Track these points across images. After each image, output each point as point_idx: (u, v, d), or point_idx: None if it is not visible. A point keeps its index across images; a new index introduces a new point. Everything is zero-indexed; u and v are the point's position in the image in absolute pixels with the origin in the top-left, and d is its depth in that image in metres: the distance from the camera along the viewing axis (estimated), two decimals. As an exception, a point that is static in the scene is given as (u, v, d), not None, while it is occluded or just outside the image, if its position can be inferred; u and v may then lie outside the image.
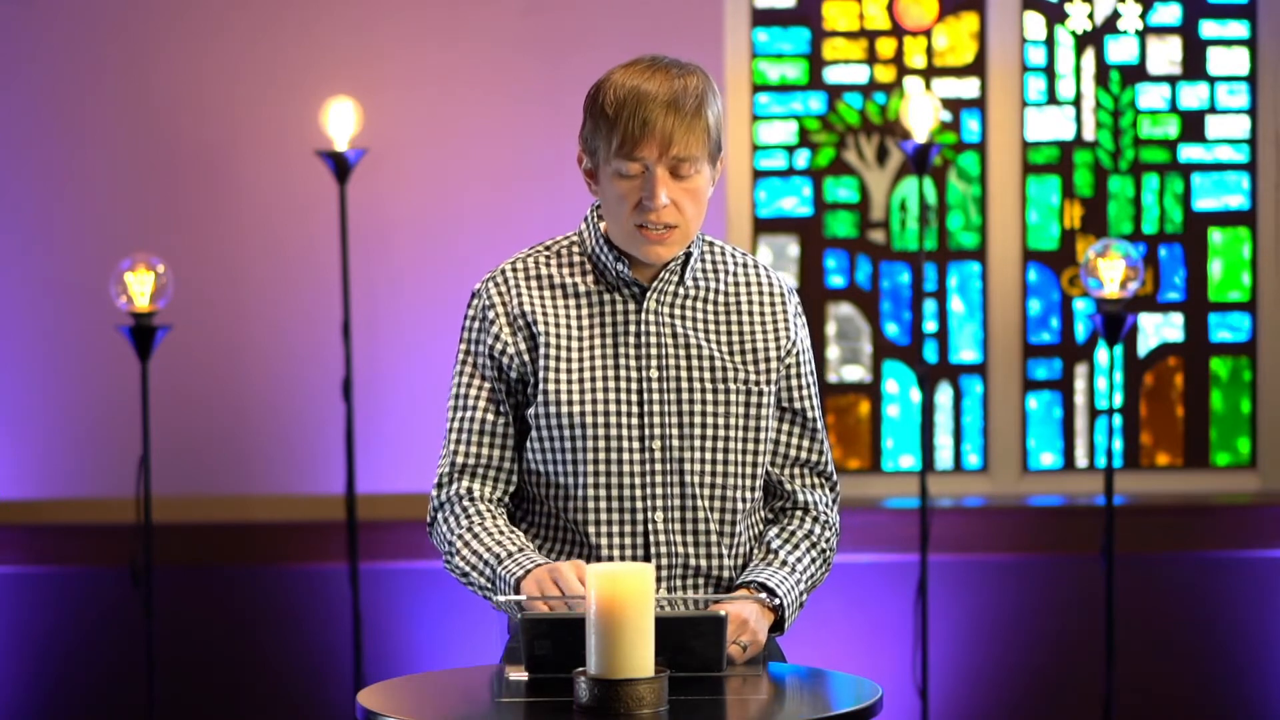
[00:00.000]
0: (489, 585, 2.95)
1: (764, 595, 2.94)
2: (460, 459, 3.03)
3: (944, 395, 5.70)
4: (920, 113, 5.11)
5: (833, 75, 5.70)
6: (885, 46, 5.70)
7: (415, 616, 5.41)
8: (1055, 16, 5.69)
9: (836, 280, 5.69)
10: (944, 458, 5.70)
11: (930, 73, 5.69)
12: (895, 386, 5.69)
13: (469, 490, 3.02)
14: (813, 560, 3.04)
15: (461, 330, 3.06)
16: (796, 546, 3.03)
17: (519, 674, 2.80)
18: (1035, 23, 5.69)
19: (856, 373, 5.71)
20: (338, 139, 5.24)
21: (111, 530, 5.38)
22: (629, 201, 2.93)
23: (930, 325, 5.67)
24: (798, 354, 3.07)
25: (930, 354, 5.65)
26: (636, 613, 2.58)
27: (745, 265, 3.10)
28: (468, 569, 2.97)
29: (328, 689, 5.44)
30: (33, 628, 5.48)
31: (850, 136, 5.69)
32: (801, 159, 5.69)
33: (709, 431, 2.99)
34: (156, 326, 4.96)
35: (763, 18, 5.69)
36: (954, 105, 5.68)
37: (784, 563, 3.00)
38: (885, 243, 5.69)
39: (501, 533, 2.97)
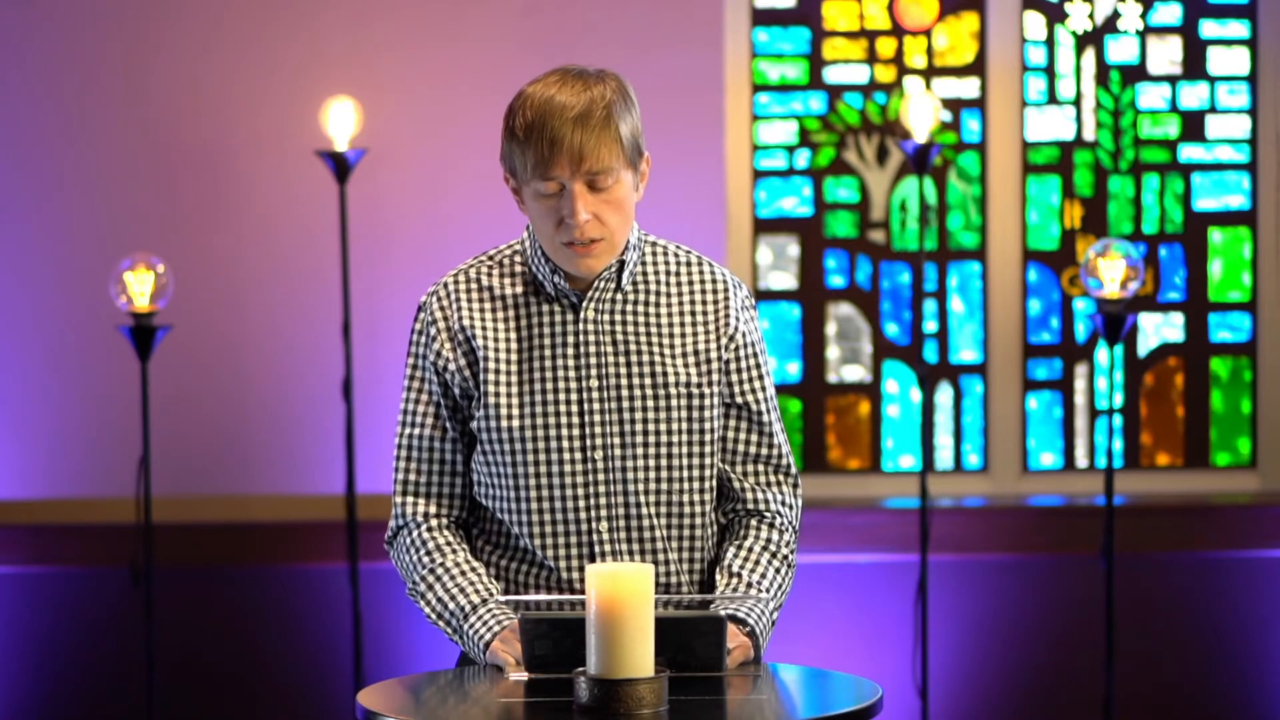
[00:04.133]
0: (456, 635, 2.97)
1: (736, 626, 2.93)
2: (411, 476, 3.04)
3: (944, 395, 5.70)
4: (920, 113, 5.11)
5: (833, 75, 5.70)
6: (885, 46, 5.70)
7: (415, 616, 5.41)
8: (1055, 16, 5.69)
9: (836, 280, 5.69)
10: (944, 458, 5.70)
11: (930, 73, 5.69)
12: (895, 386, 5.69)
13: (425, 515, 3.04)
14: (776, 571, 3.01)
15: (409, 344, 3.06)
16: (758, 563, 3.00)
17: (519, 674, 2.80)
18: (1035, 23, 5.69)
19: (856, 373, 5.71)
20: (338, 139, 5.24)
21: (111, 530, 5.38)
22: (551, 220, 2.92)
23: (930, 325, 5.66)
24: (738, 347, 3.03)
25: (930, 354, 5.65)
26: (636, 613, 2.57)
27: (688, 264, 3.06)
28: (435, 616, 2.99)
29: (328, 689, 5.44)
30: (33, 628, 5.48)
31: (850, 136, 5.69)
32: (801, 159, 5.69)
33: (651, 437, 2.97)
34: (156, 326, 4.96)
35: (763, 18, 5.69)
36: (954, 105, 5.68)
37: (749, 584, 2.97)
38: (885, 243, 5.69)
39: (464, 574, 2.99)
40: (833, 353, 5.70)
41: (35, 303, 5.53)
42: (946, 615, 5.40)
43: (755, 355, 3.05)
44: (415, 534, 3.03)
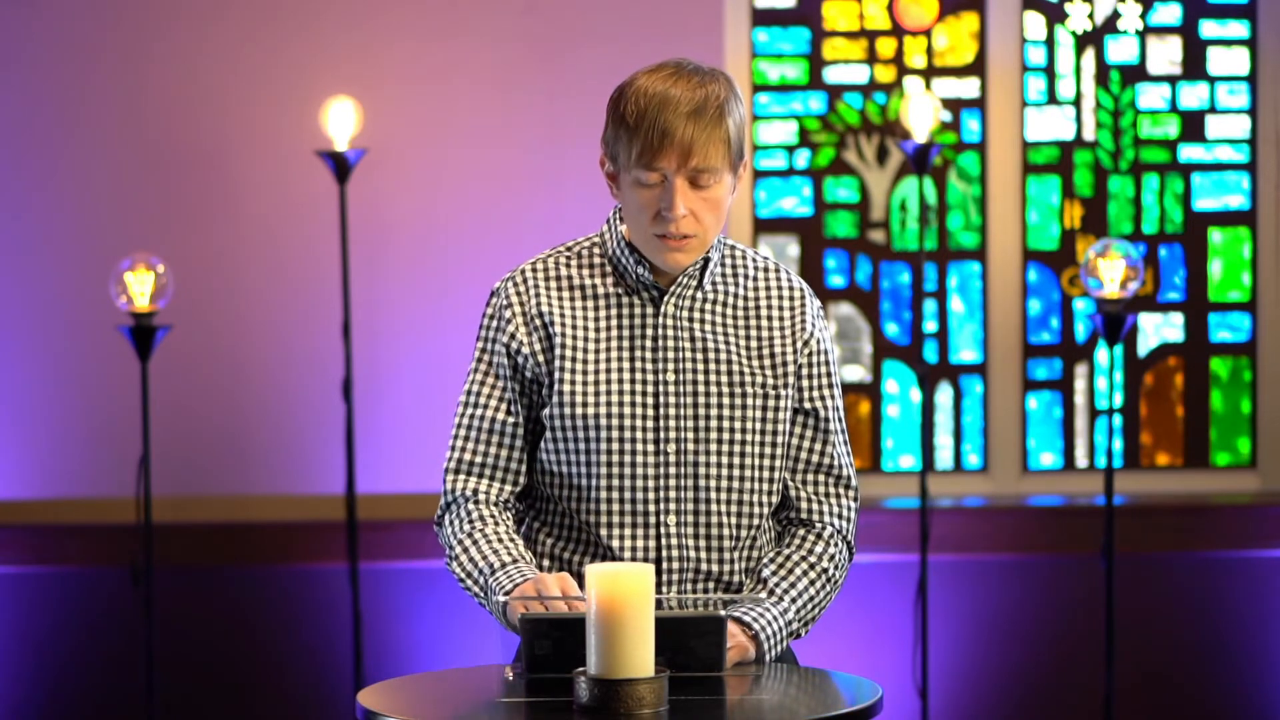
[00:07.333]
0: (482, 593, 2.96)
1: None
2: (467, 455, 3.03)
3: (944, 395, 5.70)
4: (920, 113, 5.11)
5: (833, 75, 5.70)
6: (885, 46, 5.70)
7: (415, 616, 5.41)
8: (1055, 16, 5.69)
9: (836, 280, 5.69)
10: (944, 458, 5.70)
11: (930, 73, 5.69)
12: (895, 386, 5.69)
13: (474, 492, 3.03)
14: (811, 583, 3.01)
15: (479, 329, 3.06)
16: (790, 573, 3.01)
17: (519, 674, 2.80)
18: (1035, 23, 5.69)
19: (856, 373, 5.71)
20: (338, 139, 5.24)
21: (111, 530, 5.38)
22: (648, 211, 2.92)
23: (930, 325, 5.67)
24: (811, 353, 3.05)
25: (930, 354, 5.65)
26: (636, 613, 2.57)
27: (766, 269, 3.09)
28: (463, 575, 2.98)
29: (328, 689, 5.44)
30: (33, 628, 5.48)
31: (850, 136, 5.69)
32: (801, 159, 5.69)
33: (725, 435, 2.98)
34: (156, 326, 4.96)
35: (763, 18, 5.69)
36: (954, 105, 5.68)
37: (770, 590, 2.98)
38: (885, 243, 5.69)
39: (500, 540, 2.98)
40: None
41: (35, 303, 5.53)
42: (946, 615, 5.40)
43: (827, 364, 3.07)
44: (461, 508, 3.02)
